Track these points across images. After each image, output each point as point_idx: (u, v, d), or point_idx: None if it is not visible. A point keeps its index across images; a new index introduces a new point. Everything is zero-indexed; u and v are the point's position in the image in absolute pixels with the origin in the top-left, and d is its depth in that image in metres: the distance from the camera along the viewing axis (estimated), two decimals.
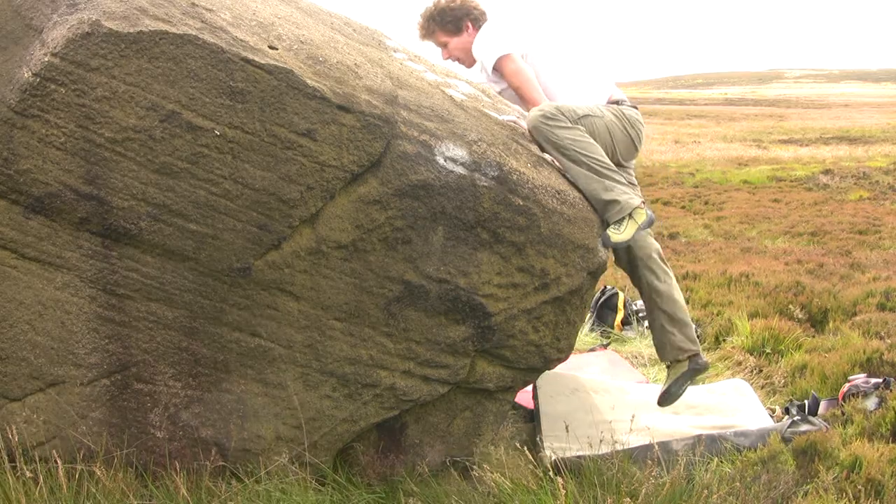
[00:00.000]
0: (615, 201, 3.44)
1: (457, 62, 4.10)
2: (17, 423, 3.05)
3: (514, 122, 3.84)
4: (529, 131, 3.59)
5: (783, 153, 25.69)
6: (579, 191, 3.50)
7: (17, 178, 2.85)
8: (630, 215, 3.45)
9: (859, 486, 3.19)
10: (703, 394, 4.59)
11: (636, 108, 3.86)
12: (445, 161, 3.16)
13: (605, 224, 3.49)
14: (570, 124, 3.51)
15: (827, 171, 19.62)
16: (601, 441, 3.50)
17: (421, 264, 3.20)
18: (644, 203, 3.54)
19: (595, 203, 3.49)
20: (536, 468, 3.40)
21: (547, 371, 3.74)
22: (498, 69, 3.83)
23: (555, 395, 4.31)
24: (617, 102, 3.82)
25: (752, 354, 5.39)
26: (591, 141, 3.53)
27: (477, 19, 3.99)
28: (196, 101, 2.85)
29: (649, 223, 3.52)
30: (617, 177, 3.50)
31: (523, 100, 3.83)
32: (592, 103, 3.72)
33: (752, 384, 4.81)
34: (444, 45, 4.06)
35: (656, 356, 5.47)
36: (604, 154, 3.54)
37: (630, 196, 3.48)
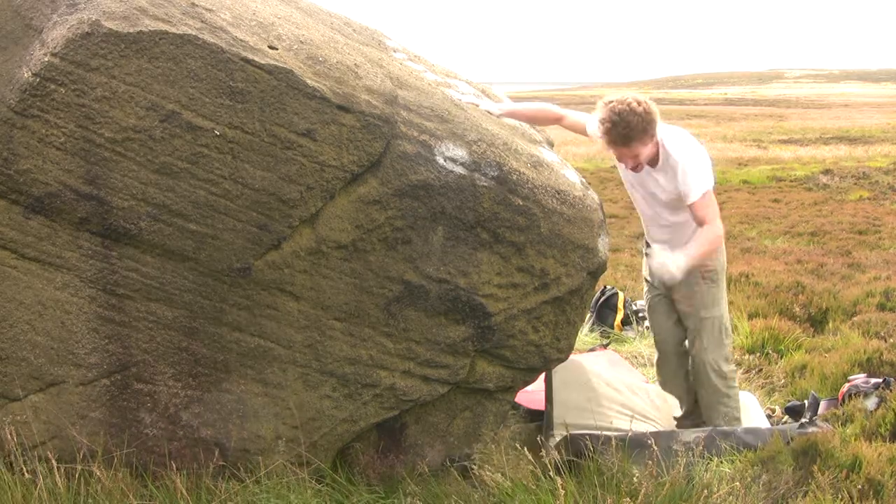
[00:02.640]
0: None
1: (633, 169, 3.73)
2: (16, 423, 3.05)
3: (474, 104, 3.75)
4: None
5: (783, 153, 25.68)
6: (578, 192, 3.50)
7: (17, 178, 2.85)
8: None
9: (859, 486, 3.19)
10: None
11: None
12: (445, 161, 3.16)
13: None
14: (729, 373, 4.05)
15: (827, 171, 19.62)
16: (611, 423, 3.50)
17: (421, 264, 3.20)
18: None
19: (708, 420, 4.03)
20: (536, 468, 3.39)
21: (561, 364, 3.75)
22: (695, 200, 3.62)
23: (569, 384, 4.29)
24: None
25: (751, 354, 5.39)
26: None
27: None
28: (196, 101, 2.85)
29: None
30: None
31: (700, 225, 3.64)
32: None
33: (751, 384, 4.81)
34: (636, 156, 3.59)
35: (656, 357, 5.47)
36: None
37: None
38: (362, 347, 3.27)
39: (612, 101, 3.51)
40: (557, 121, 3.98)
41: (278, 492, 3.11)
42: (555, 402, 4.11)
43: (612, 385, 4.47)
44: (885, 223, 11.85)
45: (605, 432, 3.52)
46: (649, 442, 3.29)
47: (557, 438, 3.71)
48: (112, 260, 3.00)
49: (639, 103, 3.47)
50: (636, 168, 3.68)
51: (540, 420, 4.13)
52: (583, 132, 3.94)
